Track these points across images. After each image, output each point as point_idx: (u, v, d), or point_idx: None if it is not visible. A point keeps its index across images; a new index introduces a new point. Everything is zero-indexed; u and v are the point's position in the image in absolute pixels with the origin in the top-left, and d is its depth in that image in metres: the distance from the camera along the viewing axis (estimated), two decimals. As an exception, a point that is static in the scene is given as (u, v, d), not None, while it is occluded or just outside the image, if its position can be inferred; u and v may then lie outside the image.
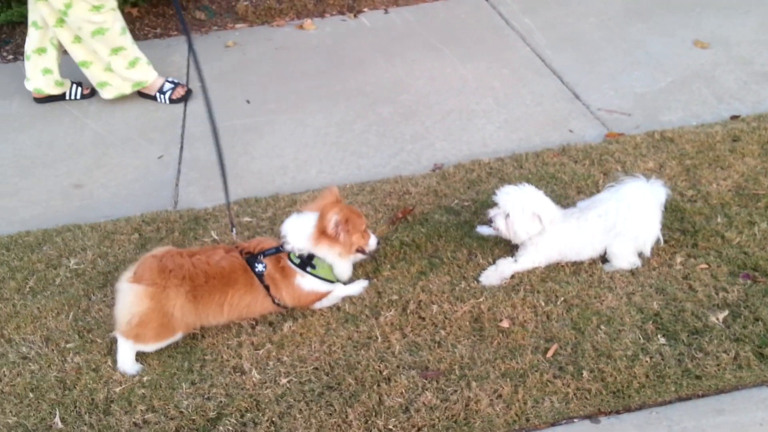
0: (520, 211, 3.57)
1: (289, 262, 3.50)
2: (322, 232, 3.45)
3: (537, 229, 3.61)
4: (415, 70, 6.09)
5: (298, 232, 3.50)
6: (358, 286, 3.75)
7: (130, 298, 3.30)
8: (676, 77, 5.60)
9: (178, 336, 3.45)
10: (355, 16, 7.17)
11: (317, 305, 3.65)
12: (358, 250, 3.65)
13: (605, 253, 3.72)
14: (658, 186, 3.59)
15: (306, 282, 3.53)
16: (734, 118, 4.97)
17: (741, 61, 5.73)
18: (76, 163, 5.16)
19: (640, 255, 3.72)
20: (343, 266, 3.63)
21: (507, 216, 3.61)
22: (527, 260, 3.73)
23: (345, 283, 3.73)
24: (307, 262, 3.50)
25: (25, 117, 5.77)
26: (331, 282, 3.60)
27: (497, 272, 3.73)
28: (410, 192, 4.46)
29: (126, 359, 3.41)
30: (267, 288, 3.50)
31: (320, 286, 3.57)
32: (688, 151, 4.57)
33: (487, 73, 5.92)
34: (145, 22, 7.12)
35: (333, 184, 4.56)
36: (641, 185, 3.57)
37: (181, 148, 5.25)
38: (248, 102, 5.80)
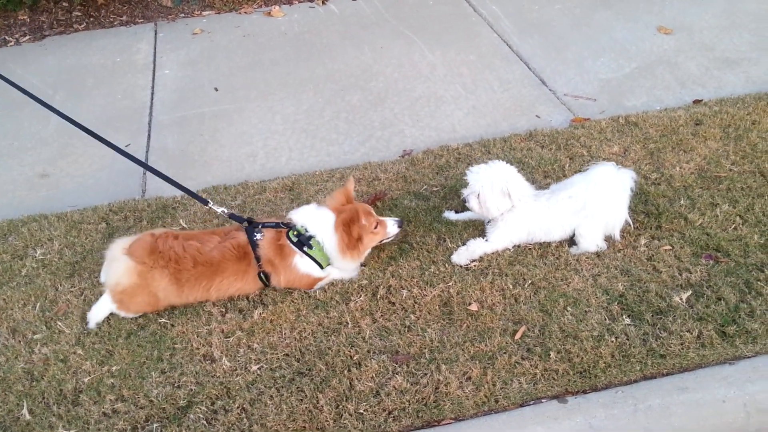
0: (490, 189, 3.63)
1: (288, 241, 3.54)
2: (346, 245, 3.51)
3: (508, 205, 3.67)
4: (383, 57, 6.09)
5: (321, 227, 3.55)
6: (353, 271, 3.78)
7: (121, 267, 3.43)
8: (640, 63, 5.68)
9: (159, 309, 3.59)
10: (323, 2, 7.14)
11: (310, 291, 3.68)
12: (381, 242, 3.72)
13: (573, 235, 3.78)
14: (627, 172, 3.65)
15: (304, 264, 3.56)
16: (697, 102, 5.05)
17: (703, 47, 5.82)
18: (41, 153, 5.09)
19: (608, 239, 3.78)
20: (356, 264, 3.70)
21: (478, 195, 3.67)
22: (497, 238, 3.77)
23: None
24: (305, 241, 3.53)
25: (-12, 107, 5.67)
26: (323, 267, 3.62)
27: (468, 251, 3.77)
28: (379, 178, 4.47)
29: (99, 313, 3.54)
30: (264, 275, 3.58)
31: (315, 270, 3.60)
32: (652, 135, 4.64)
33: (455, 60, 5.94)
34: (110, 10, 7.03)
35: (303, 171, 4.58)
36: (611, 170, 3.62)
37: (149, 136, 5.20)
38: (216, 90, 5.76)
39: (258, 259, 3.53)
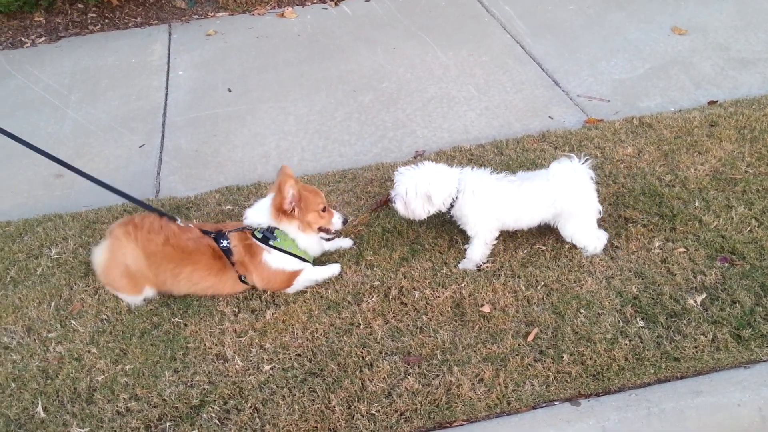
0: (414, 192, 3.60)
1: (254, 239, 3.57)
2: (279, 208, 3.51)
3: (430, 209, 3.66)
4: (396, 57, 6.09)
5: (257, 210, 3.61)
6: (330, 270, 3.77)
7: (98, 248, 3.63)
8: (654, 64, 5.64)
9: (148, 291, 3.62)
10: (336, 4, 7.15)
11: (290, 290, 3.68)
12: (321, 230, 3.70)
13: (542, 225, 3.77)
14: (581, 164, 3.59)
15: (273, 259, 3.57)
16: (711, 103, 5.02)
17: (718, 47, 5.78)
18: (57, 152, 5.01)
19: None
20: (306, 241, 3.67)
21: (404, 197, 3.65)
22: (473, 230, 3.72)
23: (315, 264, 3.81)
24: (269, 235, 3.55)
25: (5, 107, 5.72)
26: (298, 258, 3.63)
27: (469, 260, 3.77)
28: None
29: (129, 300, 3.69)
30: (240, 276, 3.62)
31: (287, 262, 3.60)
32: (666, 137, 4.62)
33: (467, 61, 5.94)
34: (125, 11, 7.07)
35: (315, 172, 4.60)
36: (568, 166, 3.57)
37: (163, 137, 5.23)
38: (230, 91, 5.78)
39: (233, 263, 3.58)
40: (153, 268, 3.53)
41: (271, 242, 3.56)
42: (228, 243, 3.57)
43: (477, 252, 3.74)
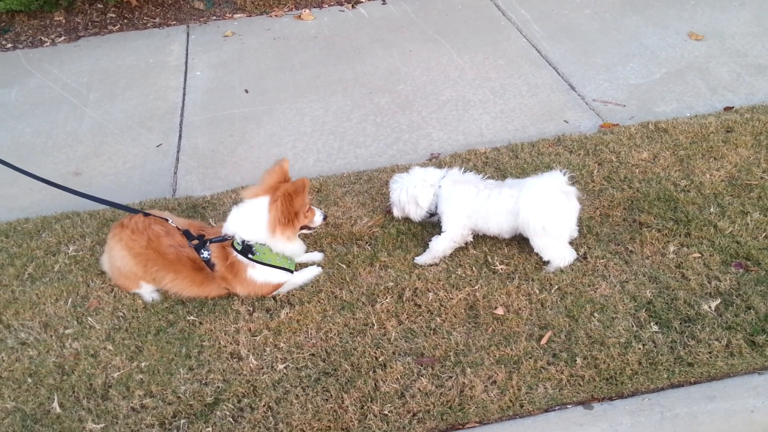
0: (405, 198, 3.83)
1: (235, 253, 3.52)
2: (277, 221, 3.44)
3: (420, 211, 3.85)
4: (412, 60, 6.10)
5: (244, 223, 3.49)
6: (311, 273, 3.79)
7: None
8: (670, 69, 5.63)
9: (143, 285, 3.67)
10: (353, 6, 7.18)
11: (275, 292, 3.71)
12: (302, 228, 3.64)
13: (518, 235, 3.77)
14: (560, 178, 3.56)
15: (258, 273, 3.55)
16: (728, 109, 5.00)
17: (735, 53, 5.75)
18: (74, 151, 5.18)
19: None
20: (292, 248, 3.61)
21: (398, 204, 3.88)
22: (448, 225, 3.76)
23: (298, 267, 3.84)
24: (247, 249, 3.51)
25: (25, 105, 5.78)
26: (283, 269, 3.60)
27: (430, 253, 3.81)
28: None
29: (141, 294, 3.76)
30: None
31: (273, 275, 3.59)
32: (681, 142, 4.60)
33: (483, 64, 5.94)
34: (144, 12, 7.13)
35: (331, 173, 4.62)
36: (545, 179, 3.55)
37: (180, 136, 5.27)
38: (246, 91, 5.81)
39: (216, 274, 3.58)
40: (141, 266, 3.56)
41: (251, 256, 3.51)
42: (209, 254, 3.53)
43: (440, 245, 3.77)
